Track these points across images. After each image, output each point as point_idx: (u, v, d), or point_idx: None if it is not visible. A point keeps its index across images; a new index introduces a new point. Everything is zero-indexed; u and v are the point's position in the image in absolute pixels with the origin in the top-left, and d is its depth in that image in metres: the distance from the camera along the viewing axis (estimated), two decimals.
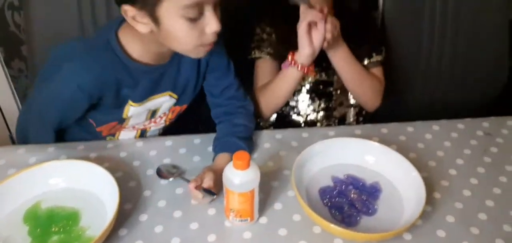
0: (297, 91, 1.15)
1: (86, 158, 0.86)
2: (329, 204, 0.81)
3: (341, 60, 1.05)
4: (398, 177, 0.85)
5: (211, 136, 0.96)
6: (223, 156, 0.89)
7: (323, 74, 1.13)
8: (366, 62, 1.12)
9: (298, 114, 1.17)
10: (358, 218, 0.78)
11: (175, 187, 0.85)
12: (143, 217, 0.78)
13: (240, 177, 0.71)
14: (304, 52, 0.95)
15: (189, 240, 0.74)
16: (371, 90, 1.12)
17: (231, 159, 0.72)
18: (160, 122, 1.02)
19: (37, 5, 1.18)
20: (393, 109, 1.19)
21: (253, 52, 1.12)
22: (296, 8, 0.98)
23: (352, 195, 0.81)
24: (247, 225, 0.77)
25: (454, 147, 0.97)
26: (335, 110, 1.17)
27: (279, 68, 1.05)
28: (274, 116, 1.19)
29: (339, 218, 0.78)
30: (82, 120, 0.93)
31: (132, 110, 0.92)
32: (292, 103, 1.16)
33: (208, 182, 0.80)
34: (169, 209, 0.80)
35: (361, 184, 0.84)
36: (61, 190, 0.82)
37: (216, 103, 1.01)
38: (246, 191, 0.72)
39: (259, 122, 1.20)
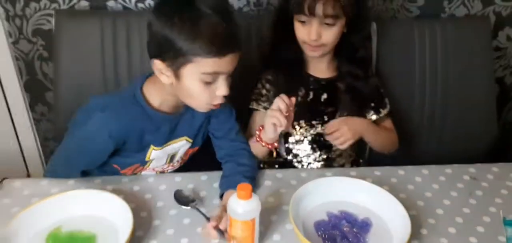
0: (299, 142, 1.23)
1: (103, 190, 0.95)
2: (323, 235, 0.88)
3: (368, 139, 1.20)
4: (387, 213, 0.92)
5: (216, 174, 1.05)
6: (230, 193, 0.97)
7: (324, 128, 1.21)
8: (374, 117, 1.23)
9: (300, 162, 1.25)
10: None
11: (182, 217, 0.93)
12: None
13: (243, 206, 0.80)
14: (269, 136, 1.05)
15: None
16: (390, 142, 1.26)
17: None
18: (176, 165, 1.13)
19: (65, 59, 1.34)
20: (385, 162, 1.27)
21: (251, 103, 1.22)
22: (295, 66, 1.12)
23: (344, 228, 0.89)
24: None
25: (441, 189, 1.04)
26: (334, 161, 1.25)
27: None
28: (276, 167, 1.26)
29: None
30: (106, 165, 1.04)
31: (154, 154, 1.04)
32: (295, 152, 1.24)
33: (224, 224, 0.86)
34: (176, 236, 0.88)
35: (353, 218, 0.91)
36: (80, 216, 0.90)
37: (219, 146, 1.12)
38: (247, 219, 0.80)
39: (262, 165, 1.28)
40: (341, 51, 1.19)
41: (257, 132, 1.09)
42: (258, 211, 0.81)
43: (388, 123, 1.28)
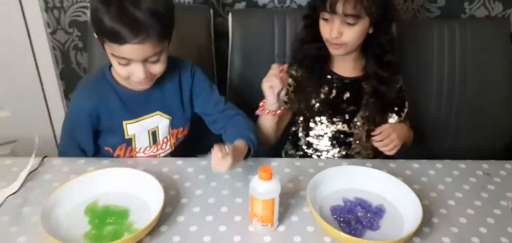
0: (319, 137, 1.28)
1: (137, 169, 1.03)
2: (338, 219, 0.93)
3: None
4: (400, 201, 0.97)
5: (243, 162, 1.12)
6: (239, 141, 1.05)
7: (345, 126, 1.25)
8: (396, 120, 1.28)
9: (319, 157, 1.30)
10: (363, 232, 0.90)
11: (207, 197, 1.00)
12: (181, 219, 0.93)
13: (264, 186, 0.86)
14: (270, 102, 1.12)
15: (218, 239, 0.89)
16: (410, 143, 1.30)
17: (245, 145, 1.01)
18: (166, 148, 1.20)
19: (98, 49, 1.41)
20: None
21: None
22: (319, 63, 1.19)
23: (359, 213, 0.94)
24: (267, 230, 0.90)
25: (454, 183, 1.08)
26: (352, 158, 1.29)
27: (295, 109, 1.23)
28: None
29: (346, 231, 0.90)
30: (99, 152, 1.16)
31: (130, 128, 1.13)
32: (315, 146, 1.29)
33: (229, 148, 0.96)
34: (202, 214, 0.95)
35: (367, 205, 0.97)
36: (114, 192, 0.98)
37: (212, 120, 1.21)
38: (268, 199, 0.87)
39: (284, 155, 1.35)
40: (368, 52, 1.21)
41: (260, 104, 1.15)
42: (278, 191, 0.88)
43: (406, 123, 1.32)
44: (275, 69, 1.08)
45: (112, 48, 0.98)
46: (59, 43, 1.63)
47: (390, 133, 1.16)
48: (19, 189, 1.00)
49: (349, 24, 1.11)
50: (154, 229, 0.89)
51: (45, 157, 1.12)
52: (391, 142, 1.15)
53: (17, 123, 1.74)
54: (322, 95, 1.23)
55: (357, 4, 1.07)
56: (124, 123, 1.12)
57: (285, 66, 1.10)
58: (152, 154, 1.19)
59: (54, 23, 1.58)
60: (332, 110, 1.24)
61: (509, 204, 1.00)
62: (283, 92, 1.10)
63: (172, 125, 1.18)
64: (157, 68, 1.04)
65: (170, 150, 1.22)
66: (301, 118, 1.29)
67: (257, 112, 1.17)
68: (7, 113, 1.72)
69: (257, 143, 1.11)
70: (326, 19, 1.14)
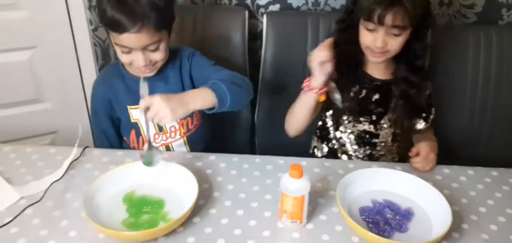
0: (345, 133, 1.29)
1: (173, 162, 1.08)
2: (367, 220, 0.95)
3: None
4: (430, 205, 0.97)
5: (270, 158, 1.15)
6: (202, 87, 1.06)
7: (372, 127, 1.26)
8: (422, 126, 1.27)
9: (345, 152, 1.32)
10: (391, 234, 0.91)
11: (238, 192, 1.03)
12: (213, 211, 0.97)
13: (295, 184, 0.89)
14: (318, 78, 1.12)
15: (248, 232, 0.92)
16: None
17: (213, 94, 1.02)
18: (175, 137, 1.24)
19: None
20: None
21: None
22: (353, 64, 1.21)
23: (387, 215, 0.95)
24: (296, 226, 0.93)
25: (486, 190, 1.07)
26: (378, 159, 1.30)
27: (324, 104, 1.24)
28: (325, 149, 1.35)
29: (375, 231, 0.91)
30: (123, 142, 1.27)
31: (134, 113, 1.21)
32: (342, 141, 1.31)
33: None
34: (233, 207, 0.98)
35: (396, 207, 0.98)
36: (150, 184, 1.02)
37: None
38: (298, 196, 0.89)
39: (312, 153, 1.37)
40: (400, 56, 1.20)
41: (305, 83, 1.15)
42: (307, 189, 0.90)
43: (431, 130, 1.31)
44: (323, 45, 1.09)
45: (114, 37, 1.08)
46: (99, 40, 1.70)
47: (428, 153, 1.14)
48: (62, 176, 1.06)
49: (394, 35, 1.11)
50: (188, 220, 0.93)
51: (86, 147, 1.18)
52: (431, 163, 1.14)
53: (57, 115, 1.83)
54: (351, 94, 1.24)
55: (405, 16, 1.07)
56: (128, 107, 1.21)
57: (331, 39, 1.12)
58: (163, 142, 1.24)
59: (96, 20, 1.66)
60: (360, 110, 1.26)
61: None
62: (329, 67, 1.11)
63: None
64: (157, 56, 1.11)
65: (181, 139, 1.26)
66: (330, 112, 1.30)
67: (303, 90, 1.17)
68: (48, 105, 1.81)
69: (234, 93, 1.08)
70: (369, 29, 1.13)
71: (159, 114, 0.95)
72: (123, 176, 1.02)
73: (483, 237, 0.93)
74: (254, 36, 1.61)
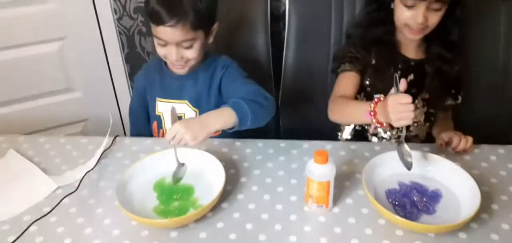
0: None
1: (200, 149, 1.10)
2: (394, 202, 0.95)
3: None
4: (458, 187, 0.96)
5: (293, 143, 1.16)
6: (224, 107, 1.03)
7: None
8: (450, 102, 1.26)
9: (375, 135, 1.30)
10: (419, 216, 0.91)
11: (265, 177, 1.05)
12: (240, 196, 0.99)
13: (320, 169, 0.90)
14: (387, 119, 0.96)
15: (275, 216, 0.94)
16: None
17: (229, 110, 1.00)
18: None
19: None
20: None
21: (343, 65, 1.22)
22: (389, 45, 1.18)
23: (414, 197, 0.95)
24: (322, 211, 0.94)
25: None
26: (410, 140, 1.27)
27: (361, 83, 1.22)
28: (350, 129, 1.34)
29: (402, 214, 0.91)
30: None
31: (160, 105, 1.26)
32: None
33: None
34: (260, 192, 1.00)
35: (423, 189, 0.97)
36: (184, 170, 1.05)
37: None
38: (323, 181, 0.90)
39: (338, 135, 1.36)
40: (432, 33, 1.17)
41: (373, 105, 1.00)
42: (333, 174, 0.91)
43: (450, 117, 1.30)
44: (406, 100, 0.92)
45: (153, 29, 1.11)
46: (124, 29, 1.74)
47: (458, 135, 1.12)
48: (95, 165, 1.11)
49: (434, 9, 1.09)
50: (216, 205, 0.96)
51: (116, 136, 1.22)
52: (466, 139, 1.12)
53: (87, 103, 1.89)
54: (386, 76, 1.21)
55: None
56: (157, 98, 1.26)
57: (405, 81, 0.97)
58: None
59: (120, 10, 1.69)
60: None
61: None
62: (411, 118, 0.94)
63: None
64: (190, 54, 1.13)
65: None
66: (361, 95, 1.28)
67: (367, 116, 1.01)
68: (78, 94, 1.87)
69: (256, 112, 1.04)
70: (409, 6, 1.10)
71: (183, 140, 0.96)
72: (153, 165, 1.06)
73: None
74: (277, 18, 1.60)
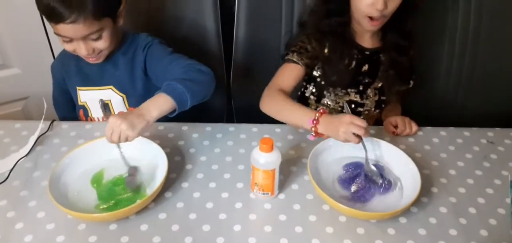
0: (330, 107, 1.26)
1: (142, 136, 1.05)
2: (340, 186, 0.95)
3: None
4: (400, 171, 0.98)
5: (243, 127, 1.14)
6: (160, 94, 0.96)
7: (358, 97, 1.24)
8: (402, 88, 1.26)
9: None
10: (364, 199, 0.92)
11: (211, 163, 1.02)
12: (185, 185, 0.97)
13: (265, 158, 0.88)
14: (330, 135, 0.97)
15: (221, 205, 0.92)
16: None
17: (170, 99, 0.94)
18: None
19: None
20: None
21: (291, 54, 1.17)
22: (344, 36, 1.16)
23: (360, 181, 0.96)
24: (268, 198, 0.93)
25: (457, 151, 1.09)
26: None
27: (305, 77, 1.20)
28: None
29: (348, 198, 0.92)
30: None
31: (83, 95, 1.20)
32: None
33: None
34: (205, 180, 0.98)
35: (369, 173, 0.98)
36: (120, 159, 1.00)
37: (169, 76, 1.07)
38: (268, 169, 0.89)
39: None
40: (388, 22, 1.13)
41: (317, 115, 0.98)
42: (278, 162, 0.89)
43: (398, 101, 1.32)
44: (362, 124, 0.94)
45: (53, 27, 1.00)
46: None
47: (404, 121, 1.15)
48: (29, 153, 1.04)
49: None
50: (159, 195, 0.92)
51: (53, 121, 1.14)
52: (411, 124, 1.15)
53: (27, 80, 1.76)
54: (340, 67, 1.19)
55: None
56: (77, 88, 1.20)
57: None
58: None
59: None
60: (349, 81, 1.22)
61: (509, 175, 1.01)
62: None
63: (129, 103, 1.19)
64: (100, 45, 1.06)
65: None
66: (311, 85, 1.27)
67: (309, 123, 0.99)
68: (18, 70, 1.74)
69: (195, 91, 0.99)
70: None
71: (121, 134, 0.89)
72: (91, 153, 1.00)
73: (451, 200, 0.95)
74: None
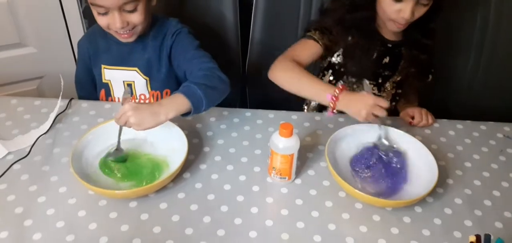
0: None
1: None
2: (357, 175, 0.96)
3: None
4: (417, 160, 0.99)
5: (259, 113, 1.15)
6: (177, 94, 0.97)
7: (375, 89, 1.24)
8: (419, 84, 1.26)
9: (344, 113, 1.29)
10: (380, 187, 0.93)
11: (228, 147, 1.03)
12: (203, 166, 0.98)
13: (284, 142, 0.89)
14: (350, 113, 0.99)
15: (238, 187, 0.93)
16: None
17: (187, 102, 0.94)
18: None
19: None
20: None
21: (313, 32, 1.16)
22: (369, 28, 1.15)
23: (377, 169, 0.96)
24: (285, 182, 0.94)
25: (473, 144, 1.09)
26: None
27: (324, 64, 1.20)
28: (315, 104, 1.33)
29: (364, 186, 0.93)
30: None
31: (107, 73, 1.20)
32: None
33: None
34: (223, 162, 0.99)
35: (386, 161, 0.98)
36: (140, 139, 1.01)
37: (190, 71, 1.11)
38: (287, 154, 0.90)
39: (304, 107, 1.36)
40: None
41: (337, 91, 0.98)
42: (297, 147, 0.90)
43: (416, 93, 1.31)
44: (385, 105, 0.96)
45: None
46: None
47: (421, 112, 1.15)
48: (49, 129, 1.05)
49: (423, 4, 1.06)
50: (178, 175, 0.93)
51: (72, 99, 1.16)
52: (428, 115, 1.16)
53: (43, 59, 1.78)
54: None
55: None
56: (102, 66, 1.19)
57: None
58: None
59: None
60: (370, 73, 1.21)
61: None
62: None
63: (151, 86, 1.20)
64: (135, 18, 1.06)
65: None
66: (329, 73, 1.26)
67: (327, 97, 0.99)
68: (33, 49, 1.76)
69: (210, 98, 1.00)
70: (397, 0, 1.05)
71: (127, 124, 0.91)
72: (112, 132, 1.00)
73: (466, 192, 0.95)
74: None
